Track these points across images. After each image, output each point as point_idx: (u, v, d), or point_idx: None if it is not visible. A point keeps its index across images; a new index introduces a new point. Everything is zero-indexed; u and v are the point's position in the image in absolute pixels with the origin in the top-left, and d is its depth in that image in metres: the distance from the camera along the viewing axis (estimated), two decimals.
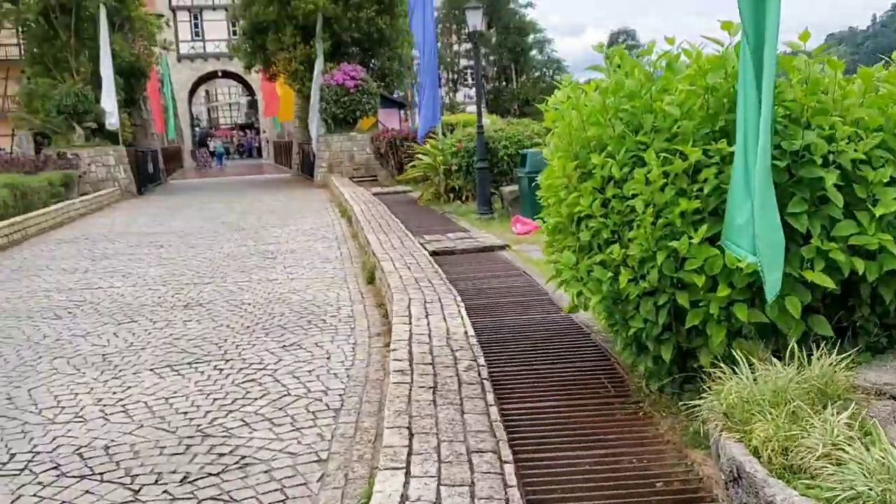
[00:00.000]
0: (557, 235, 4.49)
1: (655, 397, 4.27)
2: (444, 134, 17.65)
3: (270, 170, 40.41)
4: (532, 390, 4.62)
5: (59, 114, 22.79)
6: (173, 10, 47.91)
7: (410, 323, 5.84)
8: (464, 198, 14.96)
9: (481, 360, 4.83)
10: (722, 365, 3.18)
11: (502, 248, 9.80)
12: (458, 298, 6.64)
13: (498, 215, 13.13)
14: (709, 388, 3.15)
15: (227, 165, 46.41)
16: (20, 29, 27.14)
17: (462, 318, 5.95)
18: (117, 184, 23.09)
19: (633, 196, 3.77)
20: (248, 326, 7.08)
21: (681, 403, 3.85)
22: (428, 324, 5.79)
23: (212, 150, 49.51)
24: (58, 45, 23.95)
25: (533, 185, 11.76)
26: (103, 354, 6.37)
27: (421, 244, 9.83)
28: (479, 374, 4.54)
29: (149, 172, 27.32)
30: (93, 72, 23.83)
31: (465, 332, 5.50)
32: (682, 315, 3.72)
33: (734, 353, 3.30)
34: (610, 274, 3.88)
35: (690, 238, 3.49)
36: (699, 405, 3.23)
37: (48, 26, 23.91)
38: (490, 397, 4.15)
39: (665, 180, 3.62)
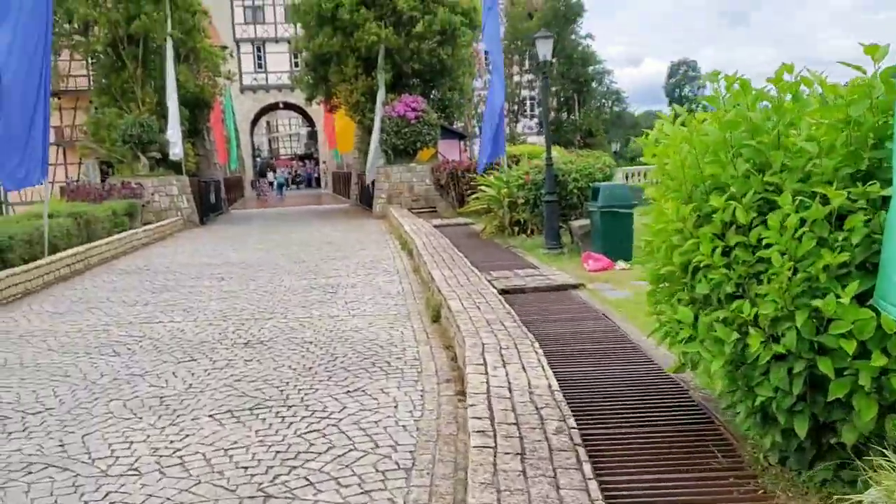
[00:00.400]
0: (663, 284, 4.00)
1: (776, 471, 3.72)
2: (508, 166, 17.26)
3: (329, 200, 40.57)
4: (631, 458, 4.10)
5: (125, 143, 23.10)
6: (237, 42, 48.83)
7: (487, 373, 5.38)
8: (529, 231, 14.49)
9: (571, 422, 4.34)
10: (888, 453, 2.64)
11: (576, 286, 9.28)
12: (536, 345, 6.16)
13: (567, 250, 12.63)
14: (869, 477, 2.61)
15: (287, 195, 46.82)
16: (89, 60, 27.78)
17: (543, 368, 5.46)
18: (180, 213, 23.25)
19: (762, 244, 3.27)
20: (309, 368, 6.71)
21: (808, 479, 3.31)
22: (506, 374, 5.32)
23: (272, 180, 50.05)
24: (125, 76, 24.39)
25: (606, 219, 11.30)
26: (161, 397, 6.05)
27: (489, 281, 9.38)
28: (572, 439, 4.05)
29: (211, 202, 27.53)
30: (158, 102, 24.18)
31: (549, 386, 5.02)
32: (820, 383, 3.19)
33: (885, 431, 2.76)
34: (735, 335, 3.36)
35: (837, 296, 2.97)
36: (850, 497, 2.69)
37: (116, 58, 24.39)
38: (587, 469, 3.66)
39: (803, 228, 3.12)
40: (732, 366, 3.48)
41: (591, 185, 13.07)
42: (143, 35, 23.85)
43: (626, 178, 30.54)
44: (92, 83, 28.99)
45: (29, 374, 6.94)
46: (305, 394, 5.95)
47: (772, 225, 3.15)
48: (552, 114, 35.99)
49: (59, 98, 39.20)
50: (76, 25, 24.52)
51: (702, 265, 3.56)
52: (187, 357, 7.32)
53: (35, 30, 12.98)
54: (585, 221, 12.55)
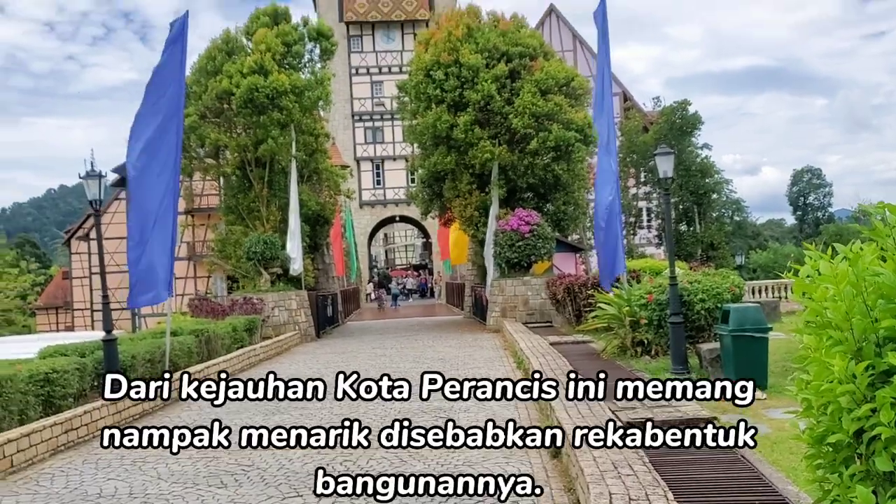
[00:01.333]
0: (827, 448, 3.39)
1: None
2: (628, 282, 16.63)
3: (443, 311, 40.58)
4: None
5: (249, 260, 23.91)
6: (358, 160, 50.92)
7: None
8: (653, 353, 13.69)
9: None
10: None
11: (709, 420, 8.49)
12: (670, 495, 5.50)
13: (696, 376, 11.78)
14: None
15: (402, 306, 47.29)
16: (220, 181, 29.37)
17: None
18: (297, 327, 23.62)
19: None
20: None
21: None
22: None
23: (387, 290, 50.83)
24: (251, 196, 25.55)
25: (738, 344, 10.50)
26: None
27: (612, 411, 8.73)
28: None
29: (327, 315, 27.94)
30: (281, 220, 25.08)
31: None
32: None
33: None
34: None
35: None
36: None
37: (244, 179, 25.65)
38: None
39: None
40: None
41: (719, 305, 12.28)
42: (270, 157, 25.05)
43: (753, 292, 29.09)
44: (221, 202, 30.54)
45: None
46: None
47: None
48: (672, 226, 35.03)
49: (192, 216, 41.59)
50: (208, 150, 26.04)
51: (883, 437, 2.96)
52: (293, 492, 7.00)
53: (165, 155, 13.63)
54: (715, 345, 11.72)
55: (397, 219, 53.91)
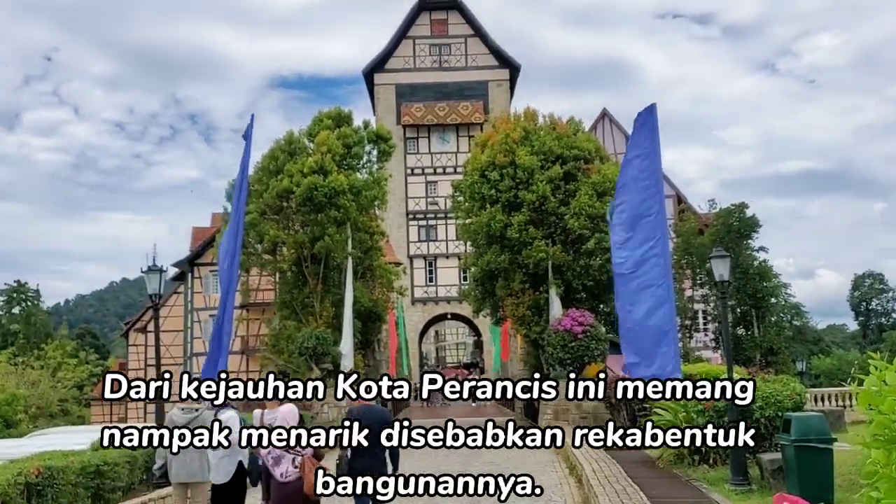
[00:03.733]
0: None
1: None
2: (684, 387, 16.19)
3: (493, 410, 39.88)
4: None
5: (301, 355, 24.05)
6: (411, 258, 51.48)
7: None
8: (712, 462, 13.18)
9: None
10: None
11: None
12: None
13: (757, 487, 11.27)
14: None
15: (451, 404, 46.62)
16: (276, 277, 29.92)
17: None
18: None
19: None
20: None
21: None
22: None
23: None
24: (305, 292, 25.93)
25: (801, 455, 10.04)
26: None
27: None
28: None
29: None
30: (334, 315, 25.30)
31: None
32: None
33: None
34: None
35: None
36: None
37: (299, 274, 26.10)
38: None
39: None
40: None
41: (780, 414, 11.84)
42: (326, 254, 25.52)
43: (816, 400, 27.98)
44: (277, 297, 31.02)
45: None
46: None
47: None
48: (730, 330, 34.23)
49: (248, 310, 42.21)
50: (266, 246, 26.67)
51: None
52: None
53: (228, 250, 14.00)
54: (777, 455, 11.23)
55: (449, 316, 53.87)
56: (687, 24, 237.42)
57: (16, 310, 60.78)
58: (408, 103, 52.29)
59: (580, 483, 13.28)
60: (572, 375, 23.59)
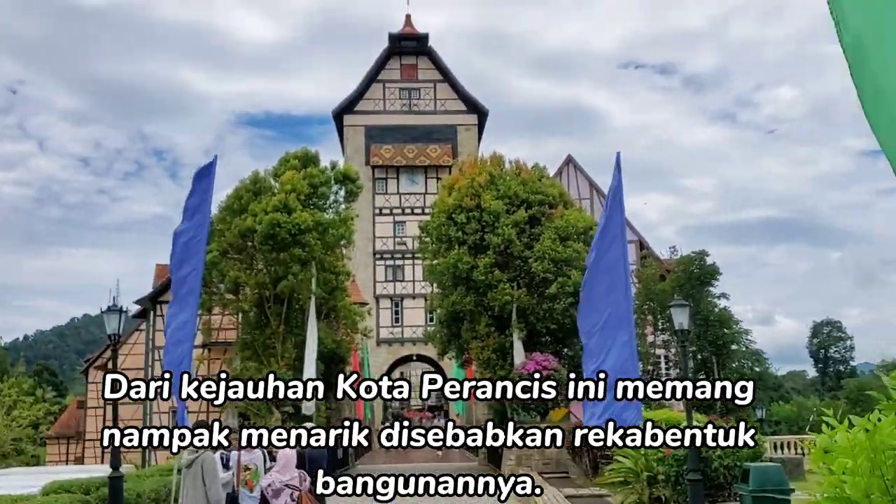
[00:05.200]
0: None
1: None
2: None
3: (456, 456, 39.51)
4: None
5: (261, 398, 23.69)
6: (377, 298, 51.23)
7: None
8: None
9: None
10: None
11: None
12: None
13: None
14: None
15: (413, 450, 46.11)
16: (238, 317, 29.59)
17: None
18: None
19: None
20: None
21: None
22: None
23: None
24: (267, 333, 25.68)
25: None
26: None
27: None
28: None
29: (337, 458, 27.26)
30: (296, 357, 25.02)
31: None
32: None
33: None
34: None
35: None
36: None
37: (261, 315, 25.84)
38: None
39: None
40: None
41: (738, 464, 11.93)
42: (289, 294, 25.33)
43: (776, 447, 28.17)
44: (238, 337, 30.63)
45: None
46: None
47: None
48: (690, 375, 34.40)
49: (209, 350, 41.53)
50: (227, 285, 26.41)
51: None
52: None
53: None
54: None
55: (414, 357, 53.56)
56: (649, 74, 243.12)
57: None
58: (377, 145, 52.54)
59: None
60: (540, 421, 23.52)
